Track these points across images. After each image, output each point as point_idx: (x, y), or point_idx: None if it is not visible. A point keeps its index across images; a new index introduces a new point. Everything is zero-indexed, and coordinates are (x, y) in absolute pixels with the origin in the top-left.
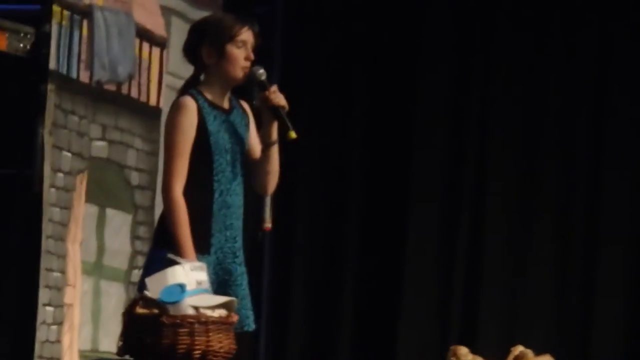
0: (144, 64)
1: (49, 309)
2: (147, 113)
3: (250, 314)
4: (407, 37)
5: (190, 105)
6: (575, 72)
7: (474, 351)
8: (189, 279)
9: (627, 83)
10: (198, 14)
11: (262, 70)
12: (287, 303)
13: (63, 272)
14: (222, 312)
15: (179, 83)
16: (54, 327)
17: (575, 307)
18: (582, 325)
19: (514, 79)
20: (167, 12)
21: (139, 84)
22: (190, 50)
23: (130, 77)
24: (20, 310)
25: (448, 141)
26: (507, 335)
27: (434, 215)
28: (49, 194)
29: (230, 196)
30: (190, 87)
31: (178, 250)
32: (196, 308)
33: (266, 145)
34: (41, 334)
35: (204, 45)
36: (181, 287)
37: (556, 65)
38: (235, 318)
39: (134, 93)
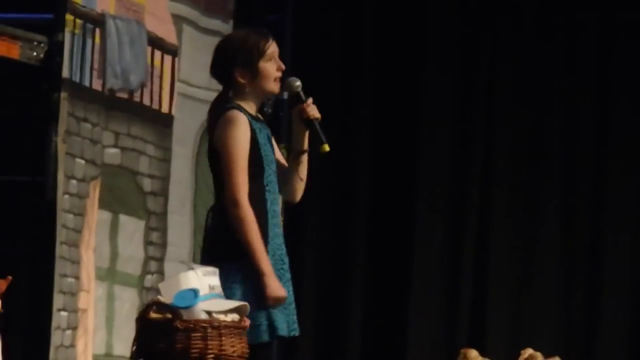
0: (156, 72)
1: (63, 314)
2: (159, 120)
3: (295, 319)
4: (414, 42)
5: (243, 118)
6: (579, 72)
7: (482, 354)
8: (201, 283)
9: (630, 83)
10: (209, 22)
11: (298, 83)
12: (297, 308)
13: (77, 277)
14: (234, 317)
15: (191, 90)
16: (68, 331)
17: (582, 308)
18: (588, 326)
19: (519, 81)
20: (179, 20)
21: (151, 92)
22: (221, 73)
23: (142, 85)
24: (34, 315)
25: (454, 146)
26: (515, 336)
27: (441, 219)
28: (63, 201)
29: (277, 205)
30: (224, 102)
31: (254, 260)
32: (209, 313)
33: (299, 153)
34: (56, 338)
35: (236, 67)
36: (194, 292)
37: (560, 66)
38: (247, 322)
39: (146, 100)
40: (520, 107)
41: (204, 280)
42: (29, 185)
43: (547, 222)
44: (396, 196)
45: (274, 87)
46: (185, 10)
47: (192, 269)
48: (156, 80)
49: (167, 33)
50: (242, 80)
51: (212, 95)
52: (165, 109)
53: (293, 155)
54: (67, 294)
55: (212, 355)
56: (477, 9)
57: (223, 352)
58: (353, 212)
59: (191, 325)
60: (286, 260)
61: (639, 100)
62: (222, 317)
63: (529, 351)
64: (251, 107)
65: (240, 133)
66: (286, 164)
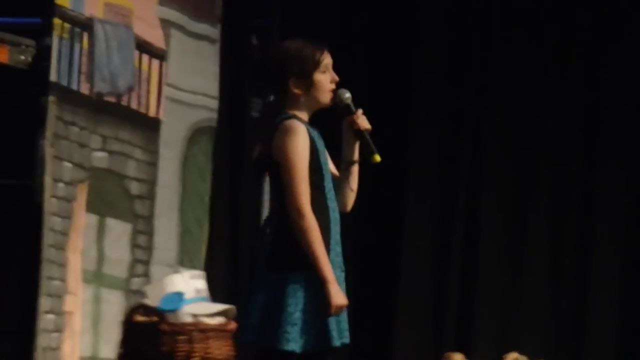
0: (144, 76)
1: (50, 316)
2: (146, 124)
3: (347, 326)
4: (402, 50)
5: (302, 127)
6: (569, 76)
7: (468, 357)
8: (187, 287)
9: (620, 87)
10: (197, 27)
11: (348, 94)
12: None
13: (64, 280)
14: (220, 320)
15: (179, 94)
16: (55, 334)
17: (569, 311)
18: (575, 329)
19: (510, 80)
20: (167, 24)
21: (139, 96)
22: (276, 83)
23: (130, 89)
24: (21, 317)
25: (443, 144)
26: (502, 340)
27: (428, 219)
28: (50, 204)
29: (337, 212)
30: (279, 112)
31: (318, 267)
32: (195, 316)
33: (349, 163)
34: (42, 341)
35: (291, 77)
36: (180, 295)
37: (551, 69)
38: (233, 325)
39: (133, 104)
40: (511, 107)
41: (190, 283)
42: (17, 188)
43: (535, 224)
44: (386, 197)
45: (327, 98)
46: (173, 15)
47: (178, 272)
48: (144, 85)
49: (155, 37)
50: (296, 91)
51: (200, 100)
52: (152, 113)
53: (344, 166)
54: (53, 296)
55: (197, 358)
56: (469, 11)
57: (209, 355)
58: (342, 215)
59: (177, 328)
60: (344, 267)
61: (629, 104)
62: (207, 320)
63: (514, 355)
64: (305, 117)
65: (301, 142)
66: (337, 174)
